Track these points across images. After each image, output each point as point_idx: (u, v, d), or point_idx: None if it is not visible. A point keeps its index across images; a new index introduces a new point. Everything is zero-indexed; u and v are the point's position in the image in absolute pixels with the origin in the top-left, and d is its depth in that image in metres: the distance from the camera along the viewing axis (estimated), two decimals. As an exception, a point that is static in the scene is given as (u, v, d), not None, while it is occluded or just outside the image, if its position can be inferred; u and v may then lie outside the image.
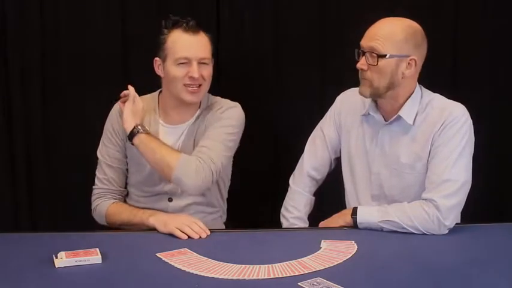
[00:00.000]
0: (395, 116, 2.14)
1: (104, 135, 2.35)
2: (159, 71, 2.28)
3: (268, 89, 2.94)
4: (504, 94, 2.92)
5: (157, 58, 2.27)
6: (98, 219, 2.35)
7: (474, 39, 2.88)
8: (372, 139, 2.21)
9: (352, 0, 2.86)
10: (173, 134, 2.30)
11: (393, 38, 2.05)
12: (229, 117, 2.30)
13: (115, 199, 2.34)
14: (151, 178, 2.30)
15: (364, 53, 2.08)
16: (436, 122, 2.10)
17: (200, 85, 2.22)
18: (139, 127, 2.20)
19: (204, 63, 2.21)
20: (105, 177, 2.33)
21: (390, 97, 2.12)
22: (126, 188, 2.38)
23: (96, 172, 2.37)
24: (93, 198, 2.37)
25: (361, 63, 2.09)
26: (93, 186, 2.37)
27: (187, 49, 2.19)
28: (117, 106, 2.34)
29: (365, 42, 2.09)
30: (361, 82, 2.13)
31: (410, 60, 2.08)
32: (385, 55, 2.04)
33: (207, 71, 2.23)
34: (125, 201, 2.37)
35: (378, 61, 2.05)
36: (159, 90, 2.38)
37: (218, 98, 2.39)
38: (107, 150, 2.33)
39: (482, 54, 2.90)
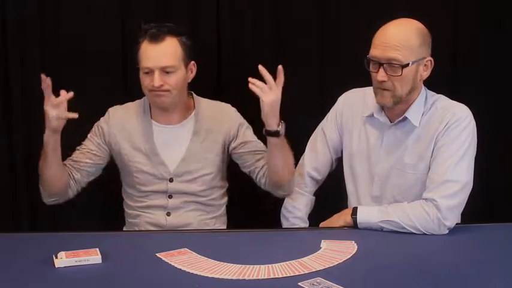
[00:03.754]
0: (402, 117, 2.14)
1: (91, 132, 2.39)
2: (140, 76, 2.31)
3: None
4: (504, 94, 2.92)
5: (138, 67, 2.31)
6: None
7: (474, 39, 2.88)
8: (377, 140, 2.21)
9: (352, 1, 2.86)
10: (168, 134, 2.34)
11: (411, 45, 2.01)
12: (241, 118, 2.42)
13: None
14: (148, 178, 2.33)
15: (381, 64, 2.03)
16: (439, 123, 2.10)
17: (166, 90, 2.23)
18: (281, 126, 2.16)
19: (168, 72, 2.23)
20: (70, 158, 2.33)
21: (405, 101, 2.11)
22: (76, 180, 2.33)
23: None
24: None
25: (381, 76, 2.03)
26: None
27: (149, 59, 2.22)
28: (107, 112, 2.40)
29: (381, 53, 2.02)
30: (378, 92, 2.09)
31: (427, 61, 2.08)
32: (408, 64, 2.02)
33: (173, 79, 2.24)
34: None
35: (402, 71, 2.02)
36: None
37: (208, 100, 2.44)
38: (85, 146, 2.36)
39: (482, 54, 2.90)
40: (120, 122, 2.36)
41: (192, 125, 2.35)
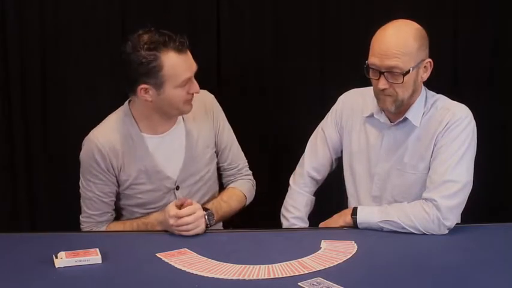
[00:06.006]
0: (402, 118, 2.14)
1: (87, 172, 2.18)
2: (146, 96, 2.10)
3: (268, 89, 2.94)
4: (504, 94, 2.93)
5: (145, 85, 2.08)
6: None
7: (474, 39, 2.88)
8: (377, 140, 2.20)
9: (352, 0, 2.86)
10: (163, 142, 2.23)
11: (410, 51, 2.00)
12: (224, 117, 2.36)
13: (107, 222, 2.25)
14: (154, 195, 2.24)
15: (381, 72, 2.01)
16: (440, 123, 2.10)
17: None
18: (206, 215, 2.11)
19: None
20: (98, 212, 2.21)
21: (406, 104, 2.11)
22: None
23: (84, 207, 2.22)
24: (84, 229, 2.25)
25: (383, 84, 2.02)
26: (82, 219, 2.24)
27: (189, 68, 2.10)
28: (91, 141, 2.18)
29: (380, 62, 2.00)
30: (380, 98, 2.08)
31: (426, 63, 2.07)
32: (408, 71, 2.00)
33: None
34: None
35: (403, 79, 2.01)
36: (127, 102, 2.23)
37: None
38: (97, 187, 2.19)
39: (482, 54, 2.90)
40: (112, 147, 2.16)
41: (182, 126, 2.25)
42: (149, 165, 2.21)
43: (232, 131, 2.39)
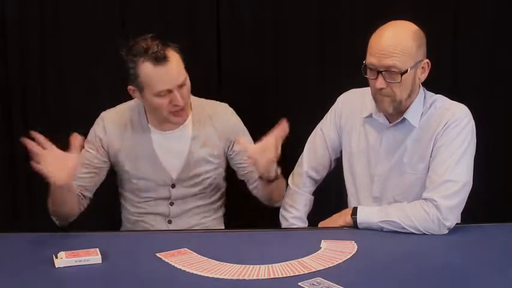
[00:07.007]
0: (401, 118, 2.14)
1: (88, 141, 2.27)
2: (135, 95, 2.22)
3: (267, 89, 2.94)
4: (504, 94, 2.92)
5: (130, 86, 2.20)
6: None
7: (474, 39, 2.88)
8: (376, 141, 2.20)
9: (352, 1, 2.86)
10: (167, 139, 2.28)
11: (408, 50, 2.00)
12: (243, 129, 2.38)
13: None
14: (149, 184, 2.28)
15: (379, 72, 2.02)
16: (439, 123, 2.10)
17: (182, 109, 2.18)
18: None
19: (181, 86, 2.14)
20: (78, 175, 2.20)
21: (404, 104, 2.11)
22: (87, 195, 2.28)
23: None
24: None
25: (380, 83, 2.02)
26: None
27: (165, 81, 2.11)
28: (100, 118, 2.30)
29: (378, 61, 2.00)
30: (378, 99, 2.08)
31: (424, 64, 2.07)
32: (406, 70, 2.01)
33: (187, 89, 2.17)
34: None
35: (401, 78, 2.01)
36: None
37: (204, 100, 2.37)
38: (90, 154, 2.26)
39: (482, 54, 2.90)
40: (117, 129, 2.28)
41: (190, 129, 2.29)
42: (149, 155, 2.27)
43: (252, 143, 2.35)
